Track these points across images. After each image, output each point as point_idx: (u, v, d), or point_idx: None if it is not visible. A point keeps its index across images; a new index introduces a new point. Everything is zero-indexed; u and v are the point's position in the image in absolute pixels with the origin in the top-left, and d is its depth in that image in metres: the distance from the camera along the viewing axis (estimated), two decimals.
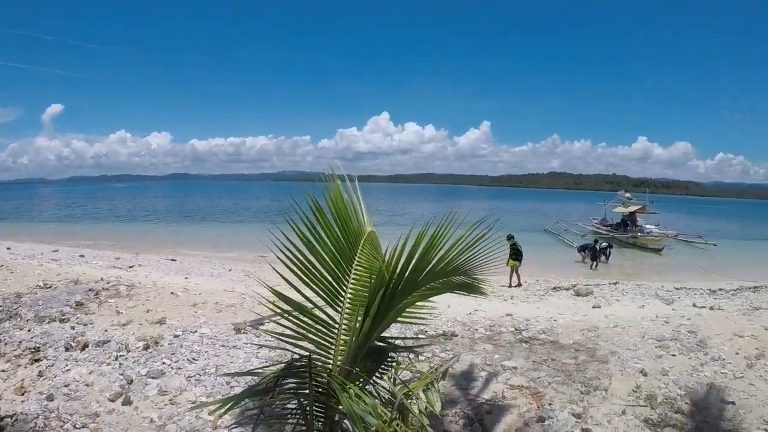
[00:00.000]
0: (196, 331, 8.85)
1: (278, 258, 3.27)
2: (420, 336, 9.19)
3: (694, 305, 13.94)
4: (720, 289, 17.82)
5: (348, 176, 3.91)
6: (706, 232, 44.06)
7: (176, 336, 8.55)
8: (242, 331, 8.98)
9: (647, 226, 38.51)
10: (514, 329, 9.94)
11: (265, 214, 54.82)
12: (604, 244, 28.20)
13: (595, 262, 26.49)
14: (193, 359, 7.62)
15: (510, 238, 18.69)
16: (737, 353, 8.64)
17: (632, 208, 39.75)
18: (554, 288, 17.21)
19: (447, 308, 11.36)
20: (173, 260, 21.02)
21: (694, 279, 22.53)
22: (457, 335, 9.52)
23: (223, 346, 8.28)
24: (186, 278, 15.22)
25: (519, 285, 17.94)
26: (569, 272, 23.99)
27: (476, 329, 9.93)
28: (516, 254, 18.33)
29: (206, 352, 7.96)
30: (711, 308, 13.46)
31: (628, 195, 43.20)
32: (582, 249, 28.90)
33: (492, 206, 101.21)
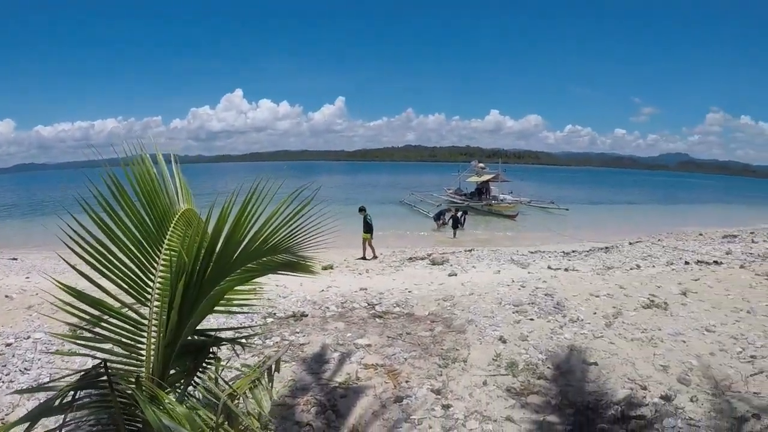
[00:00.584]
0: (29, 337, 7.86)
1: (71, 249, 2.73)
2: (268, 320, 8.53)
3: (549, 267, 14.35)
4: (573, 251, 18.55)
5: (163, 155, 3.50)
6: (557, 198, 46.05)
7: (8, 344, 7.54)
8: (78, 332, 7.88)
9: (501, 195, 39.76)
10: (367, 304, 9.52)
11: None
12: (459, 213, 28.59)
13: (455, 230, 26.76)
14: (26, 369, 6.71)
15: (362, 210, 18.33)
16: (595, 313, 8.72)
17: (485, 177, 41.02)
18: (410, 258, 17.03)
19: (299, 287, 10.84)
20: (14, 259, 18.74)
21: (548, 242, 23.51)
22: (307, 315, 8.94)
23: (58, 350, 7.23)
24: (27, 278, 13.63)
25: (374, 257, 17.59)
26: (426, 242, 24.19)
27: (328, 307, 9.41)
28: (367, 227, 17.94)
29: (39, 359, 7.03)
30: (566, 270, 13.91)
31: (481, 165, 44.39)
32: (437, 217, 29.35)
33: (349, 180, 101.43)
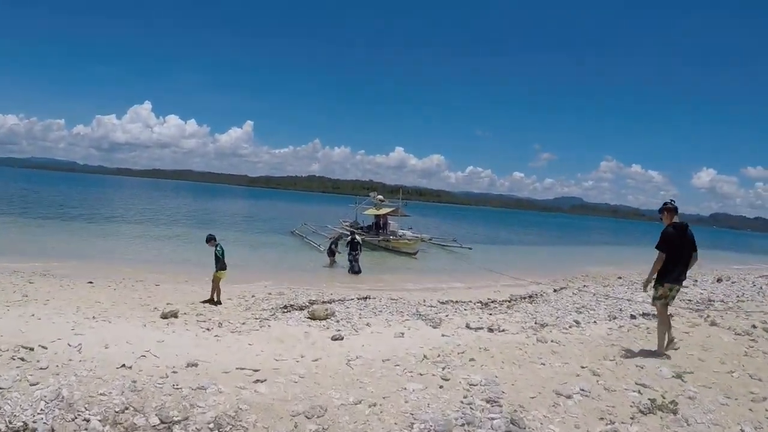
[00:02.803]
0: None
1: None
2: None
3: (469, 326, 10.91)
4: (491, 301, 15.14)
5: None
6: (459, 236, 44.30)
7: None
8: None
9: (400, 230, 36.55)
10: (160, 422, 5.12)
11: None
12: (358, 239, 24.62)
13: (355, 264, 22.78)
14: None
15: (210, 240, 13.65)
16: None
17: (384, 211, 37.51)
18: (285, 307, 12.83)
19: (103, 350, 7.48)
20: None
21: (455, 286, 20.32)
22: None
23: None
24: None
25: (216, 303, 13.19)
26: (313, 282, 19.60)
27: (88, 419, 5.08)
28: (217, 262, 13.44)
29: None
30: (490, 330, 10.59)
31: (380, 197, 40.94)
32: (331, 252, 25.16)
33: (248, 206, 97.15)
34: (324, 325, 10.66)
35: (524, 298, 15.99)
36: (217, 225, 45.37)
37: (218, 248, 13.51)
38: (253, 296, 14.49)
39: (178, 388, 5.90)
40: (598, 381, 6.72)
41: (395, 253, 31.96)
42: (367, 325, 10.86)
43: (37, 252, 21.78)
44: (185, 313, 11.36)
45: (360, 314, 12.10)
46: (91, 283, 15.08)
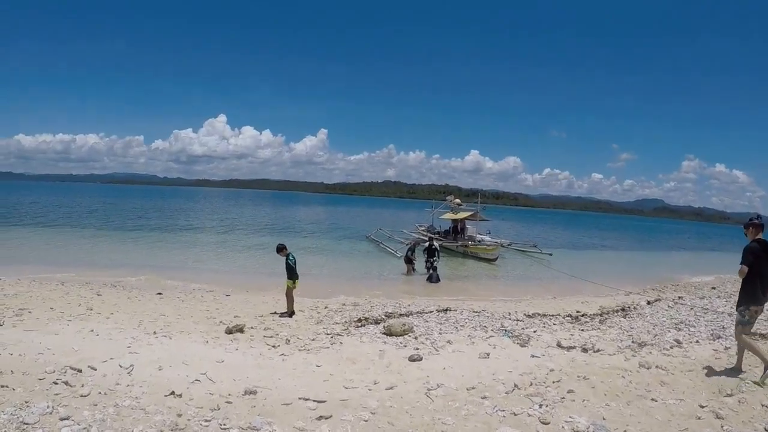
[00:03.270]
0: None
1: None
2: None
3: (560, 345, 9.87)
4: (581, 315, 13.91)
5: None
6: (537, 240, 42.75)
7: None
8: None
9: (478, 235, 35.25)
10: None
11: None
12: (435, 245, 23.62)
13: (433, 273, 21.94)
14: None
15: (281, 250, 13.10)
16: None
17: (462, 215, 36.24)
18: (359, 320, 12.11)
19: (155, 372, 7.12)
20: None
21: (541, 297, 19.14)
22: None
23: None
24: None
25: (290, 314, 12.64)
26: (388, 290, 18.95)
27: None
28: (290, 271, 12.90)
29: None
30: (584, 349, 9.54)
31: (457, 201, 39.57)
32: (408, 260, 24.22)
33: (324, 213, 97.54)
34: (401, 342, 9.90)
35: (616, 311, 14.62)
36: (293, 233, 45.38)
37: (290, 257, 12.99)
38: (326, 307, 13.93)
39: (225, 429, 5.18)
40: (723, 426, 5.62)
41: (474, 259, 30.95)
42: (449, 342, 10.00)
43: (111, 263, 22.00)
44: (252, 327, 10.86)
45: (440, 329, 11.22)
46: (159, 294, 14.90)
